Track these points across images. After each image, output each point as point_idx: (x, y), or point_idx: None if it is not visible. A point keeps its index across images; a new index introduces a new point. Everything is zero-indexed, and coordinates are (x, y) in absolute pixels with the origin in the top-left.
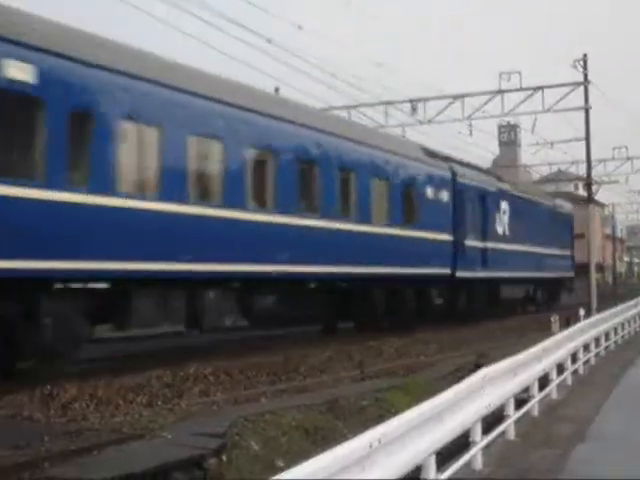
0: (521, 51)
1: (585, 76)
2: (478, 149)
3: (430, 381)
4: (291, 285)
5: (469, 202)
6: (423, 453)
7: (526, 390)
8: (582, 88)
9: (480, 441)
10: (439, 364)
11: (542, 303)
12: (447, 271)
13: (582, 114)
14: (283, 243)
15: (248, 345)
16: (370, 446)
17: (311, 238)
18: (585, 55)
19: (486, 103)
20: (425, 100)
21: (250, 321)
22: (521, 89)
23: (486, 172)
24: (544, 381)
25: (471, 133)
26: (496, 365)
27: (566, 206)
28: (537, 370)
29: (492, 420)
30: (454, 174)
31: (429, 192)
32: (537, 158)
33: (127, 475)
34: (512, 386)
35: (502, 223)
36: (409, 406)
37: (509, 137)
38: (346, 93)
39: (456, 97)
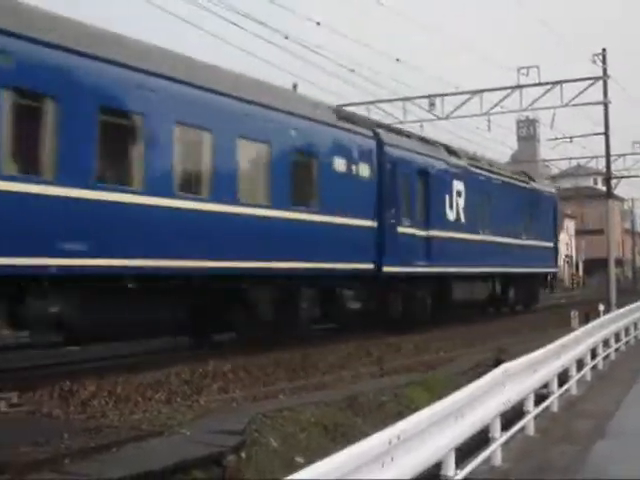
0: (538, 47)
1: (604, 70)
2: (497, 144)
3: (450, 377)
4: (106, 283)
5: (404, 179)
6: (443, 449)
7: (546, 386)
8: (601, 83)
9: (500, 437)
10: (458, 360)
11: (515, 303)
12: (369, 266)
13: (601, 109)
14: (69, 227)
15: (266, 342)
16: (389, 443)
17: (122, 221)
18: (604, 50)
19: (504, 98)
20: (443, 96)
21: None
22: (540, 84)
23: (434, 143)
24: (564, 377)
25: (489, 128)
26: (516, 361)
27: (547, 189)
28: (556, 366)
29: (511, 416)
30: (380, 142)
31: (339, 164)
32: (556, 153)
33: (146, 472)
34: (532, 382)
35: (455, 207)
36: (429, 402)
37: (528, 132)
38: (364, 89)
39: (474, 92)
